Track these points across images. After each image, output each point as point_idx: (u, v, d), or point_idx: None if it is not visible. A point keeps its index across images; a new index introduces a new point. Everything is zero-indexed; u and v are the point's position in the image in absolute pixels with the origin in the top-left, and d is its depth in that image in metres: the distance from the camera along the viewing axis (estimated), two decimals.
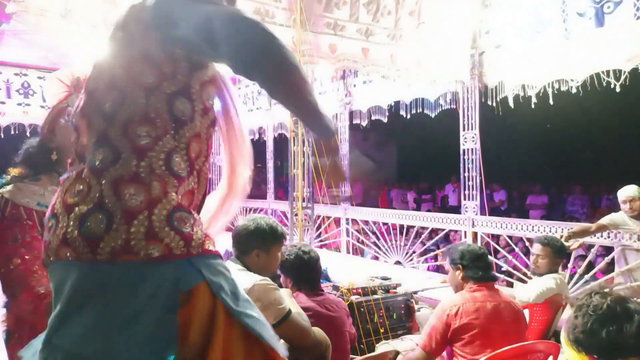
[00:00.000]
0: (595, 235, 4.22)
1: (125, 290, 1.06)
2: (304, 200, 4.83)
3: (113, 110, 1.14)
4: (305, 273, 2.47)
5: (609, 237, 4.15)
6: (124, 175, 1.09)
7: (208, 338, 1.08)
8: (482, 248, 2.64)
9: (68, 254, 1.07)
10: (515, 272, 5.13)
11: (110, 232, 1.05)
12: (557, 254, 3.21)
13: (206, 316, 1.09)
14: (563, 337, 1.40)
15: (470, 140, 5.36)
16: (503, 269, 5.37)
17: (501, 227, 5.11)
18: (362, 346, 3.03)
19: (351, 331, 2.56)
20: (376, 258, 6.82)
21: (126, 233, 1.05)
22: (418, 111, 6.23)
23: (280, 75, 1.09)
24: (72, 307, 1.09)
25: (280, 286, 2.43)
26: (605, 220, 4.06)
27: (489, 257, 2.73)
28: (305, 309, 2.19)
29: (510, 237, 5.37)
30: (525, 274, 4.79)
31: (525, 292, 3.10)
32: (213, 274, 1.12)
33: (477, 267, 2.45)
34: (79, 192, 1.10)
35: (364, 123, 7.03)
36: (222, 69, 1.28)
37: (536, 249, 3.23)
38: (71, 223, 1.07)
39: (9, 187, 2.16)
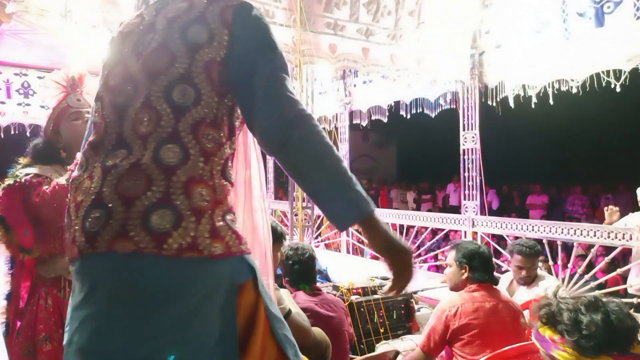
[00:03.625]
0: (595, 235, 4.22)
1: (187, 286, 1.07)
2: (304, 200, 4.82)
3: (186, 107, 1.12)
4: (297, 271, 2.48)
5: (609, 237, 4.15)
6: (194, 176, 1.09)
7: (248, 332, 1.11)
8: (489, 250, 2.60)
9: (127, 247, 1.04)
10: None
11: (178, 229, 1.05)
12: (537, 257, 3.21)
13: (250, 311, 1.13)
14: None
15: (470, 140, 5.36)
16: (503, 269, 5.37)
17: (501, 227, 5.10)
18: (362, 346, 3.03)
19: (349, 331, 2.56)
20: (376, 258, 6.82)
21: (194, 231, 1.06)
22: (418, 111, 6.23)
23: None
24: (120, 304, 1.06)
25: (281, 286, 2.44)
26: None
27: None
28: (303, 310, 2.19)
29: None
30: None
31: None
32: (258, 272, 1.18)
33: (484, 271, 2.44)
34: (136, 185, 1.07)
35: (364, 123, 7.02)
36: None
37: (523, 261, 3.20)
38: (133, 216, 1.05)
39: (28, 169, 2.19)
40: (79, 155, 1.31)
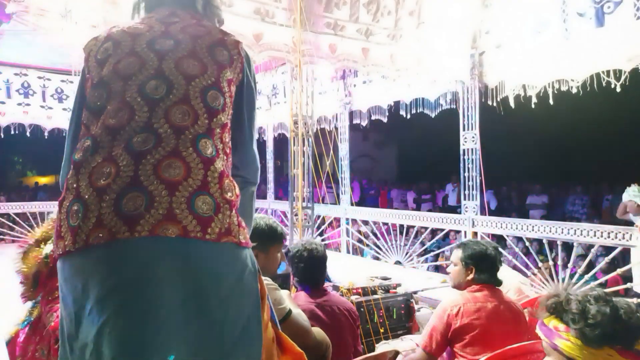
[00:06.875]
0: (595, 235, 4.22)
1: (226, 269, 1.15)
2: (304, 200, 4.82)
3: (216, 110, 1.25)
4: (302, 271, 2.47)
5: (609, 237, 4.15)
6: (224, 170, 1.21)
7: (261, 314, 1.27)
8: (495, 251, 2.50)
9: (173, 231, 1.07)
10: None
11: (218, 215, 1.14)
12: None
13: (263, 295, 1.28)
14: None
15: (470, 140, 5.36)
16: None
17: (501, 227, 5.11)
18: (362, 346, 3.03)
19: (355, 332, 2.54)
20: (377, 258, 6.83)
21: (229, 218, 1.16)
22: (418, 111, 6.23)
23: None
24: (170, 289, 1.06)
25: (281, 286, 2.43)
26: None
27: None
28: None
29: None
30: (525, 274, 4.79)
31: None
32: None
33: (490, 273, 2.42)
34: (177, 171, 1.12)
35: (364, 123, 7.03)
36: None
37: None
38: (178, 200, 1.10)
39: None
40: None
